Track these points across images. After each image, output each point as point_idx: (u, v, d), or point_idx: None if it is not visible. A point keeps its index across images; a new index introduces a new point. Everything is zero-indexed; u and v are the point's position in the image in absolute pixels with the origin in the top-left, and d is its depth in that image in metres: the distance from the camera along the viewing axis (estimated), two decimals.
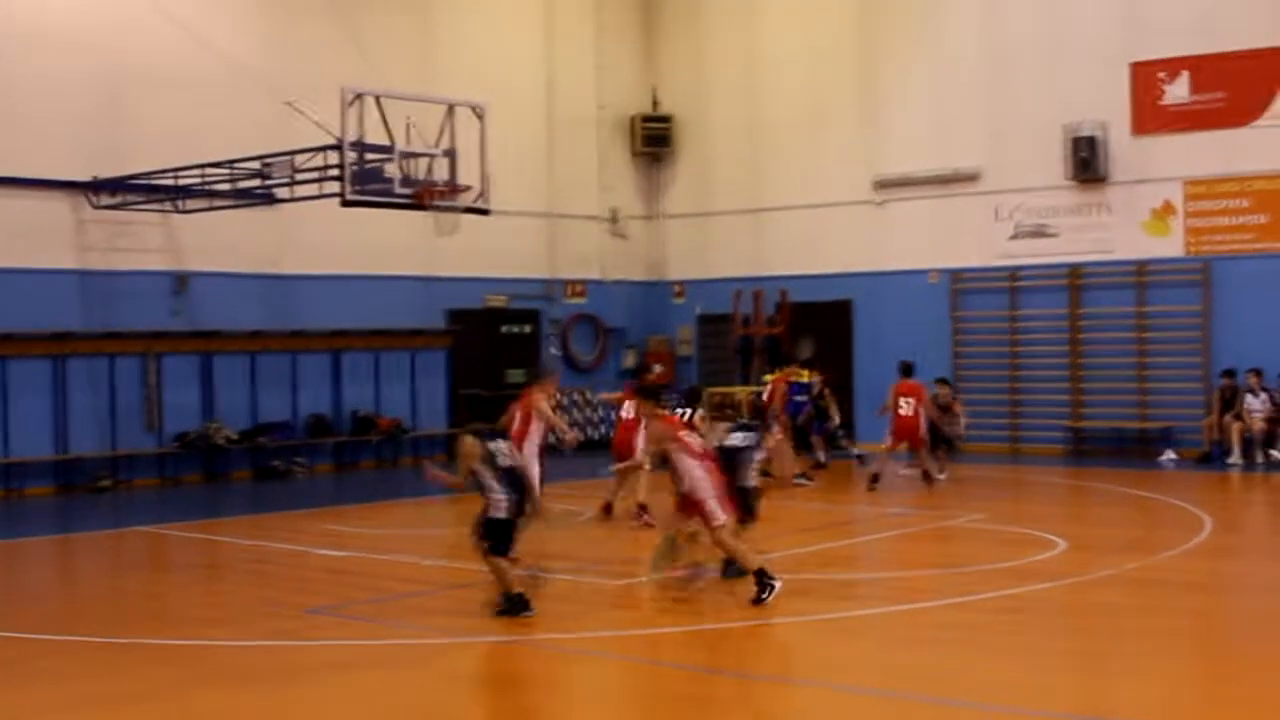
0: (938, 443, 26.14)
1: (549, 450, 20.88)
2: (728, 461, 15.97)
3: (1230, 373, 28.77)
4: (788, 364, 31.31)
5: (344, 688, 12.12)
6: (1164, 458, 29.34)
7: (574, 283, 35.81)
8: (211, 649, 13.51)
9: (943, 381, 27.59)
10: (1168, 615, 14.67)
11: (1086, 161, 30.20)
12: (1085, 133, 30.23)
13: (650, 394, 16.88)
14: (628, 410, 21.64)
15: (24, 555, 20.69)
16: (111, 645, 13.74)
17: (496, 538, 14.56)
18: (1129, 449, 30.28)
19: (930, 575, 17.25)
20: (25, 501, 25.97)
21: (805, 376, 28.27)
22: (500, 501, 14.53)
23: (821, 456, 28.11)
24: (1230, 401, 28.70)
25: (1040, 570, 16.85)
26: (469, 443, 14.65)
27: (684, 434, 15.56)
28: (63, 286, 27.12)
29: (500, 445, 14.81)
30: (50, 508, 25.47)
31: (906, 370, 25.78)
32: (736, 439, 16.55)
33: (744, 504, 16.20)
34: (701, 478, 15.13)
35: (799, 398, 28.33)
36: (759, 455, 16.74)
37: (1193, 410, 29.58)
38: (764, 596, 14.67)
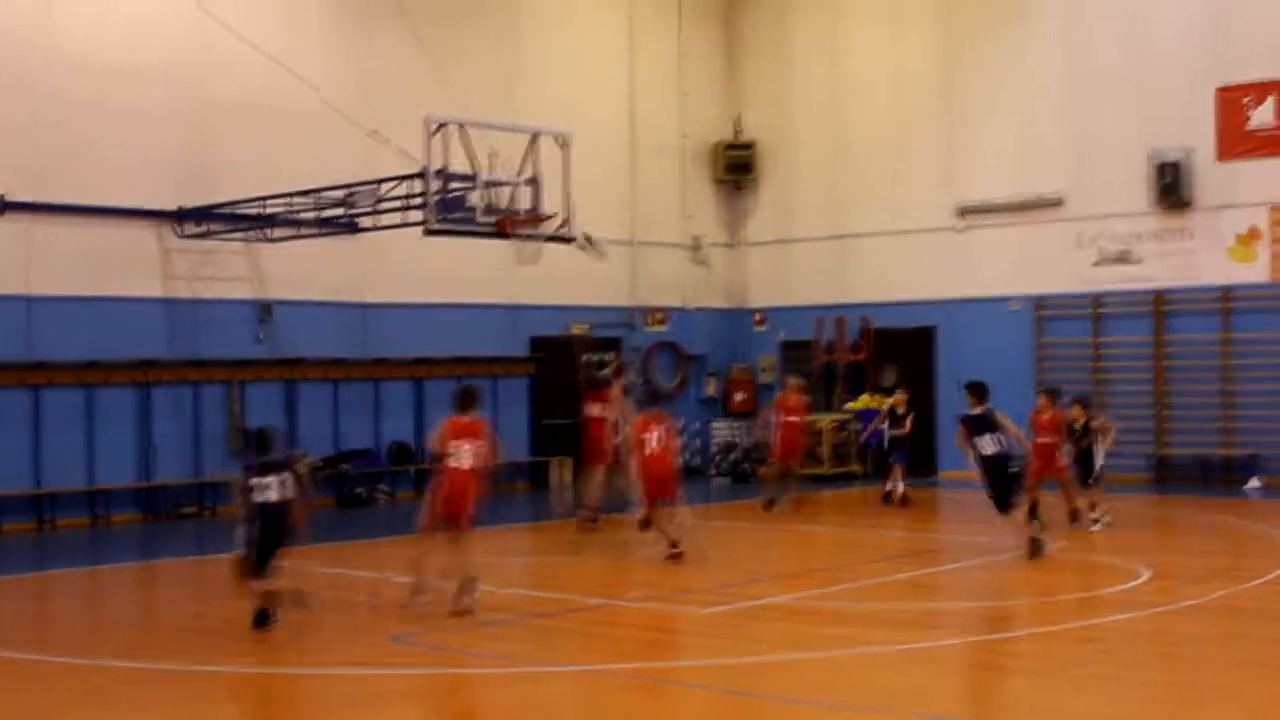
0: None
1: None
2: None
3: None
4: (874, 391, 31.36)
5: (426, 714, 12.14)
6: (1249, 485, 29.06)
7: (655, 310, 35.82)
8: (294, 677, 13.58)
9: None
10: (1253, 645, 14.51)
11: (1171, 187, 30.00)
12: (1170, 158, 30.02)
13: None
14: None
15: (110, 582, 20.86)
16: (194, 674, 13.82)
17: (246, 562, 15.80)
18: (1214, 476, 30.01)
19: (1014, 604, 17.16)
20: (112, 528, 26.19)
21: (890, 404, 28.26)
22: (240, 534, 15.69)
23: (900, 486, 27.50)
24: None
25: (1124, 600, 16.74)
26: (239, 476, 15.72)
27: None
28: (148, 315, 27.37)
29: (265, 480, 15.77)
30: (136, 534, 25.68)
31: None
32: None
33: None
34: None
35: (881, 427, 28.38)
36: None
37: (1279, 437, 29.30)
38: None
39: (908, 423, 27.83)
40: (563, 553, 22.09)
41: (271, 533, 15.82)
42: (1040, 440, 22.90)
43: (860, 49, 35.27)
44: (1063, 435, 23.08)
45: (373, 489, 29.69)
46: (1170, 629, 15.39)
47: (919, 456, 31.91)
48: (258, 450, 16.29)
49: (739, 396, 36.37)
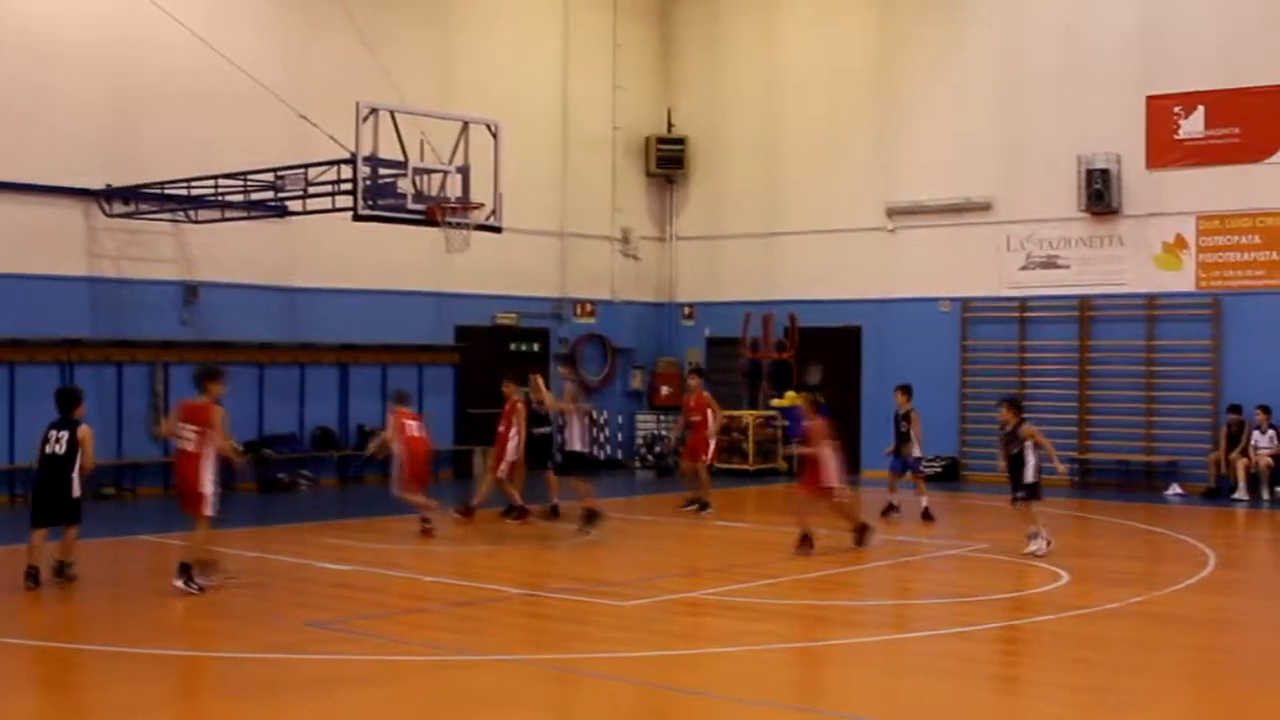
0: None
1: None
2: None
3: (1237, 409, 28.77)
4: (797, 389, 31.41)
5: (342, 702, 12.10)
6: (1169, 492, 29.31)
7: (584, 302, 35.81)
8: (210, 660, 13.51)
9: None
10: (1170, 650, 14.63)
11: (1099, 193, 30.22)
12: (1099, 165, 30.24)
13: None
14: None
15: (24, 562, 20.64)
16: (108, 654, 13.73)
17: None
18: (1135, 482, 30.26)
19: (931, 604, 17.23)
20: (28, 507, 25.91)
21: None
22: None
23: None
24: (1237, 437, 28.69)
25: (1043, 602, 16.84)
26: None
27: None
28: (73, 294, 27.16)
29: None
30: None
31: None
32: None
33: None
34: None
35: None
36: None
37: (1200, 445, 29.57)
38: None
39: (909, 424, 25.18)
40: (485, 542, 22.04)
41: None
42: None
43: (793, 46, 35.34)
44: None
45: (295, 474, 29.56)
46: (1087, 632, 15.47)
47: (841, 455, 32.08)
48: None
49: (665, 390, 36.40)
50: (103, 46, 27.40)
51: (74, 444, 17.47)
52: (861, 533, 20.87)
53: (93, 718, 11.45)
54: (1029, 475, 20.22)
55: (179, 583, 16.67)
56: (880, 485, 26.49)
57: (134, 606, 16.68)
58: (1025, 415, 21.02)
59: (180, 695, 12.19)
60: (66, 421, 17.77)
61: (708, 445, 26.20)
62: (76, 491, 17.60)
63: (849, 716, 11.73)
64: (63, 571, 17.61)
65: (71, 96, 27.02)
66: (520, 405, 24.60)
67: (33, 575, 17.24)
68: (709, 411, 26.13)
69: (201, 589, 16.64)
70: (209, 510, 17.06)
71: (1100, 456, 30.92)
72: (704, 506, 25.53)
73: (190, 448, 16.97)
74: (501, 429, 24.62)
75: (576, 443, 23.44)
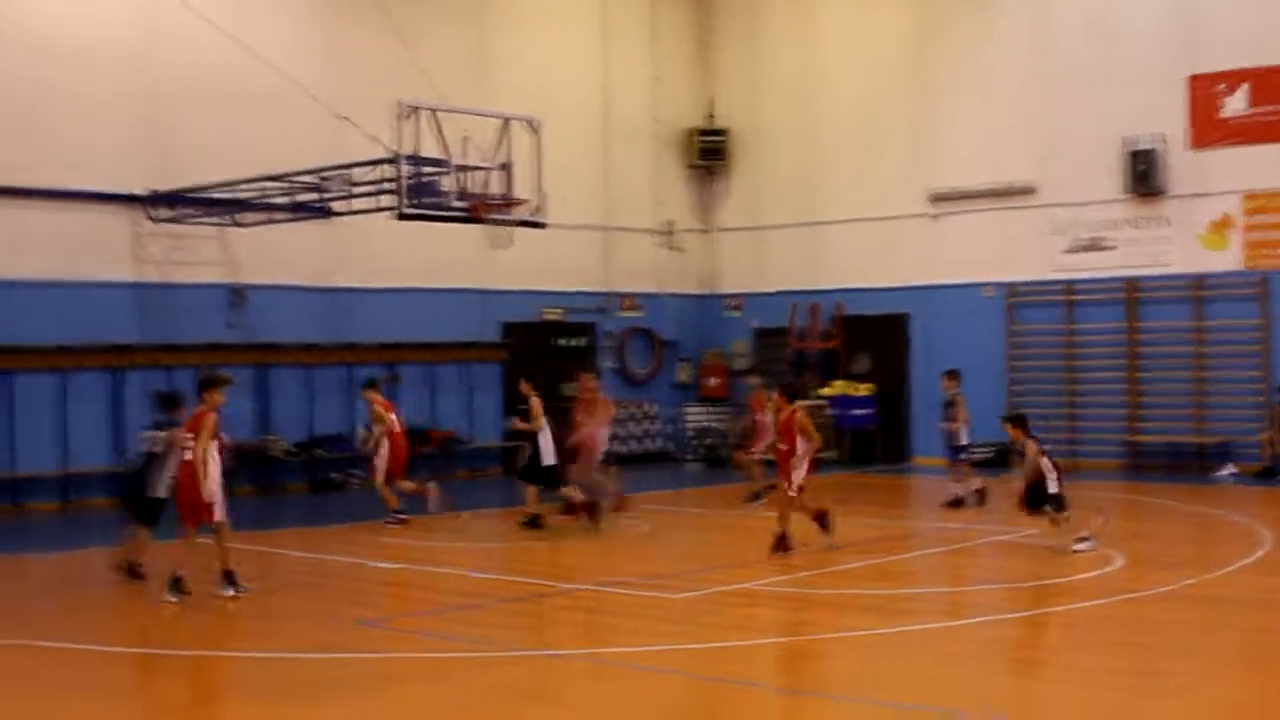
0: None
1: None
2: None
3: None
4: (846, 378, 31.41)
5: (392, 699, 12.13)
6: (1223, 472, 29.12)
7: (629, 296, 35.79)
8: (264, 661, 13.54)
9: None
10: (1223, 632, 14.53)
11: (1144, 175, 30.05)
12: (1143, 146, 30.07)
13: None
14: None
15: (82, 567, 20.76)
16: (163, 656, 13.79)
17: None
18: (1186, 464, 30.06)
19: (985, 590, 17.17)
20: (82, 513, 26.09)
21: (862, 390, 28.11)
22: None
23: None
24: None
25: (1095, 586, 16.75)
26: None
27: None
28: (120, 299, 27.28)
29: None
30: (108, 520, 25.53)
31: None
32: None
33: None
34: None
35: (855, 411, 28.26)
36: None
37: (1251, 425, 29.37)
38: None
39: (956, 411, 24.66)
40: (536, 537, 22.05)
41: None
42: None
43: (832, 35, 35.24)
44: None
45: (346, 473, 29.63)
46: (1139, 616, 15.40)
47: (891, 443, 32.09)
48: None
49: (712, 382, 36.36)
50: (139, 49, 27.48)
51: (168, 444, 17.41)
52: (782, 540, 19.27)
53: (139, 717, 11.50)
54: (1051, 486, 19.65)
55: (228, 590, 16.71)
56: (931, 472, 26.38)
57: (186, 608, 16.73)
58: (1034, 434, 20.48)
59: (230, 695, 12.23)
60: (167, 422, 17.78)
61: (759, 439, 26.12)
62: (159, 493, 17.62)
63: (902, 705, 11.70)
64: (134, 571, 17.76)
65: (111, 102, 27.13)
66: (602, 398, 24.42)
67: (134, 570, 17.76)
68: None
69: (238, 592, 16.65)
70: (219, 516, 16.85)
71: (1151, 439, 30.74)
72: (757, 497, 25.46)
73: (189, 456, 16.78)
74: (581, 420, 23.94)
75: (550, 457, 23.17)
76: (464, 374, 31.93)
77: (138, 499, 17.80)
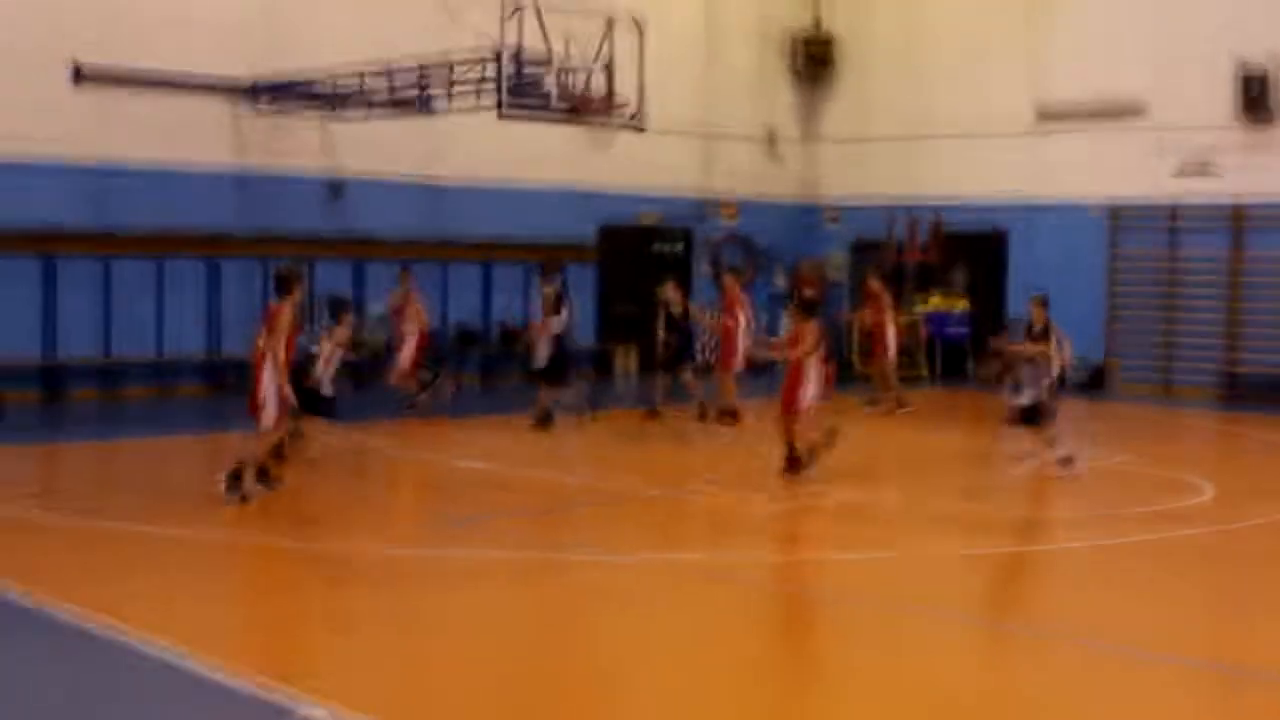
0: None
1: None
2: None
3: None
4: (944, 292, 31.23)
5: (479, 598, 12.17)
6: None
7: (727, 202, 35.60)
8: (352, 553, 13.62)
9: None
10: None
11: (1257, 100, 29.51)
12: (1257, 69, 29.52)
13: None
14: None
15: (175, 453, 20.96)
16: (256, 545, 13.91)
17: None
18: None
19: (1076, 516, 17.03)
20: (177, 399, 26.32)
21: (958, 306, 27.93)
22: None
23: None
24: None
25: (1187, 515, 16.60)
26: None
27: None
28: (219, 187, 27.32)
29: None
30: (201, 407, 25.79)
31: None
32: None
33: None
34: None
35: (950, 327, 28.10)
36: None
37: None
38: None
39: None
40: (625, 442, 22.06)
41: None
42: None
43: None
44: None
45: (437, 370, 29.66)
46: (1233, 547, 15.27)
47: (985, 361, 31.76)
48: None
49: (808, 292, 36.08)
50: None
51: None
52: (793, 462, 18.40)
53: (240, 603, 11.58)
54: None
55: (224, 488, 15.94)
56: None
57: (275, 500, 16.81)
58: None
59: (321, 584, 12.31)
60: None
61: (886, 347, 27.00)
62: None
63: (990, 625, 11.64)
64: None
65: None
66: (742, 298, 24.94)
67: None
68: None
69: (245, 499, 15.85)
70: (267, 422, 16.02)
71: (1250, 369, 30.33)
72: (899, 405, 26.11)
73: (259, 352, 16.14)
74: (730, 323, 24.39)
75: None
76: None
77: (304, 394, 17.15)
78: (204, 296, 27.25)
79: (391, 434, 22.03)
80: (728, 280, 25.53)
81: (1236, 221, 30.29)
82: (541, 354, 23.47)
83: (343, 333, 18.29)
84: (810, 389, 18.22)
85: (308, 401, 17.34)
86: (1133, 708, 9.61)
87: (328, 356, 18.01)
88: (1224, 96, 30.00)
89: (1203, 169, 30.58)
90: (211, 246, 27.15)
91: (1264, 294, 30.16)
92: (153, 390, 26.62)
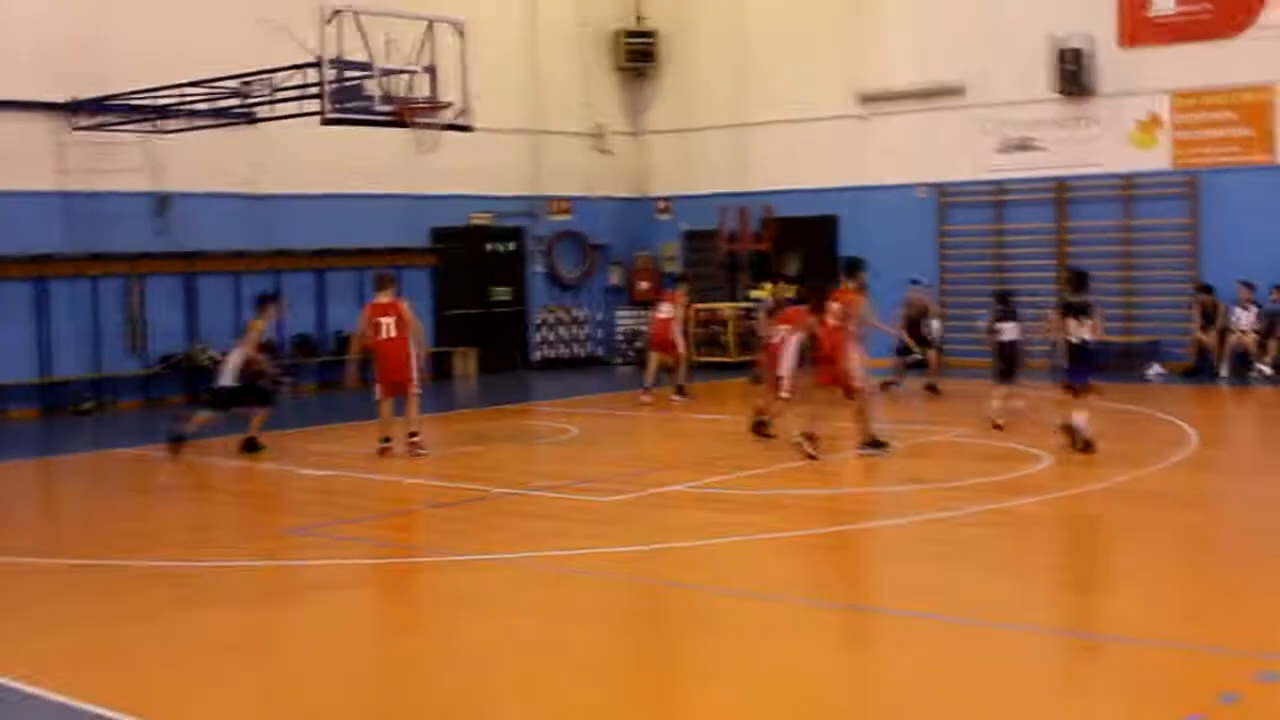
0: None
1: None
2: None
3: (1208, 289, 28.67)
4: (774, 280, 31.37)
5: (326, 607, 12.09)
6: (1150, 372, 29.27)
7: (558, 200, 35.63)
8: (195, 570, 13.47)
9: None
10: (1155, 529, 14.65)
11: (1073, 74, 30.01)
12: (1072, 44, 30.01)
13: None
14: (666, 310, 26.33)
15: (6, 478, 20.63)
16: (94, 567, 13.70)
17: None
18: (1115, 363, 30.14)
19: (914, 490, 17.20)
20: (8, 425, 25.90)
21: (790, 292, 28.09)
22: None
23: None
24: (1211, 316, 28.63)
25: (1026, 485, 16.84)
26: None
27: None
28: (44, 209, 26.94)
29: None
30: (33, 431, 25.41)
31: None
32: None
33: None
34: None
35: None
36: None
37: (1180, 324, 29.51)
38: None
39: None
40: (467, 443, 22.02)
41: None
42: None
43: None
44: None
45: (274, 381, 29.41)
46: (1073, 513, 15.52)
47: None
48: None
49: (643, 285, 36.30)
50: None
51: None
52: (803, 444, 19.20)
53: (80, 628, 11.40)
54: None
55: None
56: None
57: (114, 519, 16.64)
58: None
59: (166, 604, 12.15)
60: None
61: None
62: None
63: (832, 604, 11.73)
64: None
65: (31, 7, 26.70)
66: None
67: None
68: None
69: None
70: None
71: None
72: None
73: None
74: (776, 341, 20.76)
75: None
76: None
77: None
78: (32, 320, 26.82)
79: (230, 446, 21.83)
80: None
81: (1060, 195, 30.80)
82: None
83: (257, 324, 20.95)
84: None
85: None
86: (992, 678, 9.73)
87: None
88: (1041, 74, 30.48)
89: (1023, 144, 31.06)
90: (38, 269, 26.73)
91: (1089, 264, 30.46)
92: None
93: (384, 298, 20.68)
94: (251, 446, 20.65)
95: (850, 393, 19.41)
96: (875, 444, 19.34)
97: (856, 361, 19.52)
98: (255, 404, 20.99)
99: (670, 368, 26.75)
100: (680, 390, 26.55)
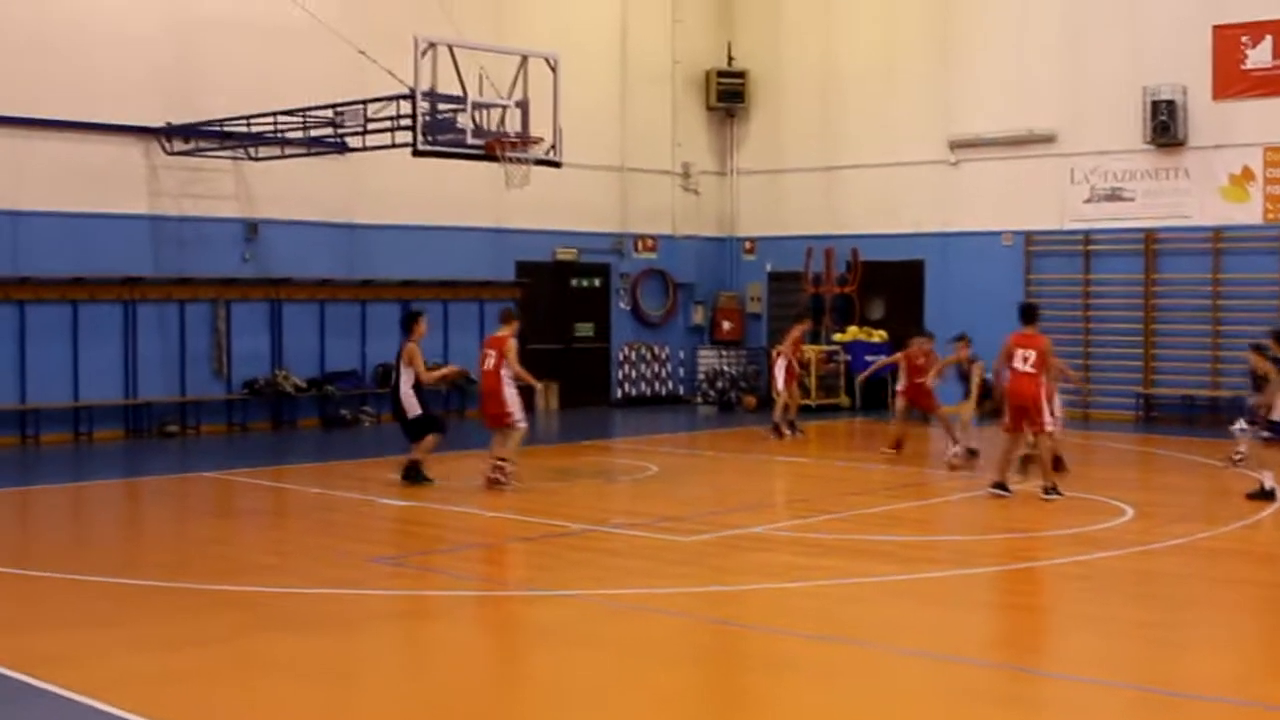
0: None
1: None
2: None
3: None
4: (861, 324, 31.32)
5: (401, 636, 12.13)
6: (1236, 427, 28.93)
7: (644, 237, 35.69)
8: (272, 595, 13.52)
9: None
10: (1236, 586, 14.50)
11: (1165, 125, 29.83)
12: (1164, 96, 29.84)
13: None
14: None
15: (92, 498, 20.81)
16: (173, 590, 13.77)
17: None
18: (1200, 417, 29.94)
19: (996, 540, 17.11)
20: (94, 446, 26.12)
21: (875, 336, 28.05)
22: None
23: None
24: None
25: (1108, 538, 16.69)
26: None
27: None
28: (135, 232, 27.24)
29: None
30: (118, 452, 25.61)
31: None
32: None
33: None
34: None
35: (869, 358, 28.21)
36: None
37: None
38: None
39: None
40: (548, 479, 22.03)
41: None
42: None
43: None
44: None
45: (357, 411, 29.61)
46: (1154, 568, 15.36)
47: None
48: None
49: (726, 325, 36.31)
50: None
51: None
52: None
53: (156, 650, 11.45)
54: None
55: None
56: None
57: (196, 542, 16.75)
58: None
59: (246, 630, 12.20)
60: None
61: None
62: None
63: (912, 651, 11.67)
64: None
65: (129, 33, 27.01)
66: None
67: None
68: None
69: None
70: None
71: (1165, 392, 30.63)
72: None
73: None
74: (918, 382, 24.79)
75: None
76: (478, 313, 31.84)
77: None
78: (120, 342, 27.07)
79: (311, 473, 21.92)
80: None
81: (1149, 246, 30.59)
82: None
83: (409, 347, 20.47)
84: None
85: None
86: None
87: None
88: (1133, 124, 30.31)
89: (1113, 194, 30.89)
90: (127, 291, 26.99)
91: (1176, 316, 30.49)
92: (69, 437, 26.41)
93: (500, 331, 20.62)
94: (414, 475, 20.40)
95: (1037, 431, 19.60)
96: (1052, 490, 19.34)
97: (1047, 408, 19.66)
98: (432, 432, 20.60)
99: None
100: (777, 429, 26.58)
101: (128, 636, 11.98)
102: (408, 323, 20.92)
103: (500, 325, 20.89)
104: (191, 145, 27.38)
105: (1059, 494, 19.13)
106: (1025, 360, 19.34)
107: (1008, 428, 19.46)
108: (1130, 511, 18.26)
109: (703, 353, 36.09)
